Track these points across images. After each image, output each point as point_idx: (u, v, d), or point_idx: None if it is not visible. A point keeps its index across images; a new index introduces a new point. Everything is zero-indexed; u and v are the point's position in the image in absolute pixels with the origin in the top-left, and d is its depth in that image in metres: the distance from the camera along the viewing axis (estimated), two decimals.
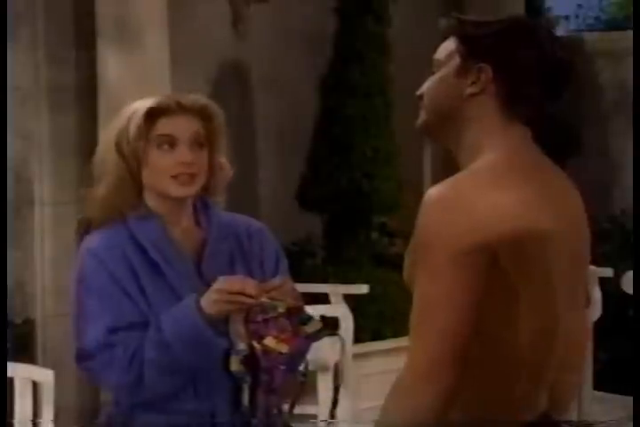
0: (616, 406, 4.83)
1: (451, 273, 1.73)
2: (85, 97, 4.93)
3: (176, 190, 2.27)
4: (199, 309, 2.17)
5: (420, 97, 1.94)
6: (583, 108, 6.97)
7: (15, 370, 3.06)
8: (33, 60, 4.99)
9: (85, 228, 2.32)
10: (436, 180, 1.88)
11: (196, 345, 2.17)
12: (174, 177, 2.27)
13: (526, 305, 1.78)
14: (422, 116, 1.93)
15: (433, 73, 1.94)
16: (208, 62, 5.55)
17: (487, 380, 1.80)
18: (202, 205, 2.35)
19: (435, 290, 1.74)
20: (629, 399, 5.10)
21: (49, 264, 5.04)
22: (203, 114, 2.31)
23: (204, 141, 2.31)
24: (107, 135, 2.33)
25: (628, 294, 5.35)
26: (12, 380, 3.06)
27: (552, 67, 1.88)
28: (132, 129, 2.26)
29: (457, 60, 1.89)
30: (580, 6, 9.53)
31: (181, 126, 2.28)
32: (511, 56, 1.86)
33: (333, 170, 5.52)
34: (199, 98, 2.35)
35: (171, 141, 2.27)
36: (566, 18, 9.14)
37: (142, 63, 4.61)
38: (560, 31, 7.68)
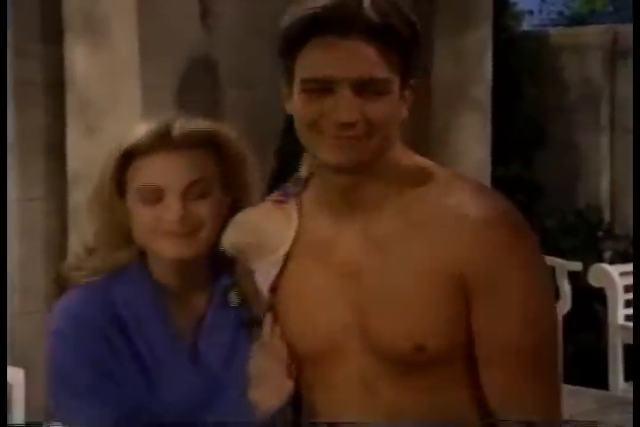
0: (586, 399, 4.86)
1: None
2: (53, 92, 4.88)
3: (168, 249, 1.71)
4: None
5: (352, 125, 1.59)
6: (548, 103, 6.99)
7: None
8: None
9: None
10: None
11: None
12: (164, 234, 1.70)
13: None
14: (364, 152, 1.62)
15: (355, 93, 1.58)
16: (177, 57, 5.51)
17: None
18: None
19: None
20: (599, 392, 5.14)
21: (15, 261, 4.99)
22: (206, 145, 1.76)
23: (212, 186, 1.76)
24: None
25: (593, 288, 5.39)
26: None
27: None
28: (105, 180, 1.73)
29: (396, 78, 1.61)
30: (543, 1, 9.59)
31: (171, 169, 1.71)
32: (417, 56, 1.63)
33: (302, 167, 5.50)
34: (197, 123, 1.76)
35: (157, 192, 1.70)
36: (530, 12, 9.19)
37: (111, 57, 4.56)
38: (525, 26, 7.72)
